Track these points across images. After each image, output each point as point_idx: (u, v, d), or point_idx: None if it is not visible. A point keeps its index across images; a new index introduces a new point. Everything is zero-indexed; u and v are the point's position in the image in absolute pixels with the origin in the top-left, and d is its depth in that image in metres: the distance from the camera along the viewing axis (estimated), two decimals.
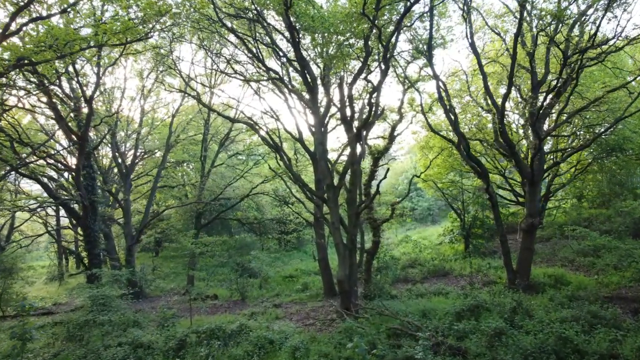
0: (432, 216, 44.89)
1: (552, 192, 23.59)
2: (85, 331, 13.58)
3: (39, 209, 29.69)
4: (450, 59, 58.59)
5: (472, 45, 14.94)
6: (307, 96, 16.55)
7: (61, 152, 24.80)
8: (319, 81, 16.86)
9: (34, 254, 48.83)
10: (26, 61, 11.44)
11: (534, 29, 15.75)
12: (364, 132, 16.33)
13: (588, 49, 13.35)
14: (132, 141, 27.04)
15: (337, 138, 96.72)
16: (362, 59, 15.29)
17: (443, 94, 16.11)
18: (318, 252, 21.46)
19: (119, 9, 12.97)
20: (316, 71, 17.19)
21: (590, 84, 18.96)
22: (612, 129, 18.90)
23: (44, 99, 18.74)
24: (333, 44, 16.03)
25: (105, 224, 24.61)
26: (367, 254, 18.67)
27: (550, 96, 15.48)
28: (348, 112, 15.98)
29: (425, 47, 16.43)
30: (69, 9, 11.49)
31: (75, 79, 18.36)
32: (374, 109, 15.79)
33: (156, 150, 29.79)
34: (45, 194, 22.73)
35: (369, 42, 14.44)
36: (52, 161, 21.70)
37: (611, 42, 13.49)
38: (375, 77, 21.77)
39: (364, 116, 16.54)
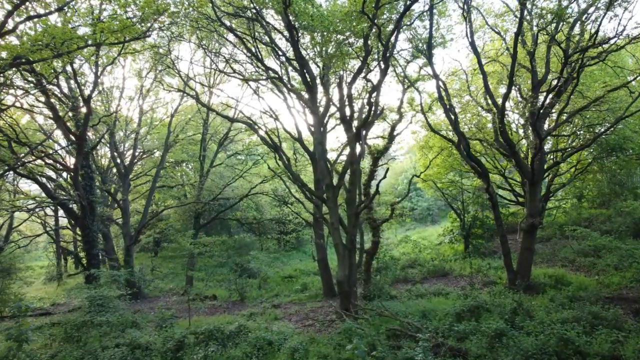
0: (432, 216, 44.84)
1: (552, 192, 23.53)
2: (83, 332, 13.50)
3: (37, 209, 29.60)
4: (450, 59, 58.51)
5: (472, 44, 14.86)
6: (306, 95, 16.46)
7: (59, 152, 24.69)
8: (318, 80, 16.77)
9: (33, 254, 48.74)
10: (23, 60, 11.37)
11: (535, 28, 15.66)
12: (364, 132, 16.23)
13: (589, 47, 13.27)
14: (130, 141, 26.95)
15: (336, 138, 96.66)
16: (361, 58, 15.20)
17: (443, 93, 16.04)
18: (317, 252, 21.38)
19: (117, 8, 12.92)
20: (315, 70, 17.10)
21: (590, 84, 18.91)
22: (612, 129, 18.83)
23: (43, 99, 18.68)
24: (332, 43, 15.94)
25: (104, 224, 24.51)
26: (366, 254, 18.60)
27: (550, 95, 15.40)
28: (347, 111, 15.89)
29: (425, 46, 16.35)
30: (65, 7, 11.38)
31: (73, 78, 18.27)
32: (373, 108, 15.72)
33: (155, 150, 29.69)
34: (43, 194, 22.60)
35: (369, 41, 14.35)
36: (50, 161, 21.59)
37: (612, 41, 13.41)
38: (374, 77, 21.74)
39: (364, 116, 16.46)
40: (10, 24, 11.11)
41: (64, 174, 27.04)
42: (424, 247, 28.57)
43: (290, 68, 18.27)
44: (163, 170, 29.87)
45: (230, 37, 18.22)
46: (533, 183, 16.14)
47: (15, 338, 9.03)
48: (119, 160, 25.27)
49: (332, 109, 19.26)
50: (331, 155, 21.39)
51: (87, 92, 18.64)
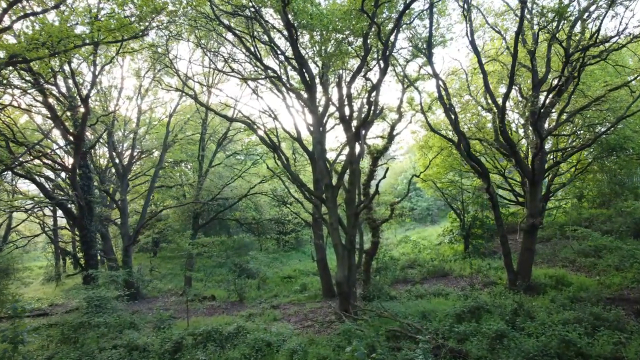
0: (432, 216, 44.75)
1: (552, 192, 23.45)
2: (80, 333, 13.40)
3: (35, 209, 29.48)
4: (450, 58, 58.42)
5: (472, 43, 14.76)
6: (305, 95, 16.35)
7: (57, 151, 24.57)
8: (317, 80, 16.68)
9: (32, 255, 48.60)
10: (20, 59, 11.26)
11: (535, 27, 15.58)
12: (363, 132, 16.13)
13: (590, 46, 13.18)
14: (129, 141, 26.86)
15: (335, 137, 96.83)
16: (361, 57, 15.10)
17: (443, 92, 15.95)
18: (316, 252, 21.29)
19: (115, 7, 12.81)
20: (315, 70, 17.00)
21: (590, 83, 18.82)
22: (612, 128, 18.74)
23: (41, 99, 18.58)
24: (332, 42, 15.84)
25: (102, 224, 24.40)
26: (366, 254, 18.50)
27: (551, 95, 15.31)
28: (347, 111, 15.78)
29: (424, 45, 16.26)
30: (61, 5, 11.27)
31: (71, 77, 18.17)
32: (372, 107, 15.63)
33: (154, 150, 29.59)
34: (41, 194, 22.49)
35: (368, 40, 14.25)
36: (48, 161, 21.47)
37: (613, 40, 13.33)
38: (374, 76, 21.62)
39: (363, 115, 16.36)
40: (6, 22, 11.01)
41: (63, 174, 26.96)
42: (423, 247, 28.50)
43: (289, 67, 18.16)
44: (162, 170, 29.76)
45: (229, 36, 18.12)
46: (533, 183, 16.06)
47: (11, 340, 8.94)
48: (117, 160, 25.16)
49: (332, 109, 19.17)
50: (330, 155, 21.35)
51: (85, 91, 18.54)
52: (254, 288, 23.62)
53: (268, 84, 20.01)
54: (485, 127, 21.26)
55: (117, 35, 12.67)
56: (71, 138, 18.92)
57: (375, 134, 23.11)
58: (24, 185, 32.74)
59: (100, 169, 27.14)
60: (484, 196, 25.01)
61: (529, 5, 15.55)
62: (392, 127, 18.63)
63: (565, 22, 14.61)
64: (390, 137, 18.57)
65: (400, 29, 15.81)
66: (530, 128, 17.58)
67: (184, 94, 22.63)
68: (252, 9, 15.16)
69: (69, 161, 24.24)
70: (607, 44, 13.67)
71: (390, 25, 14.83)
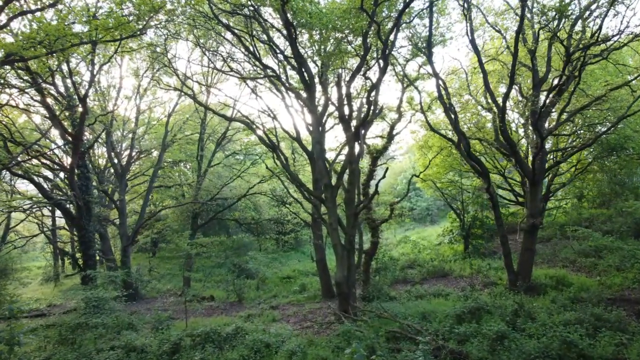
0: (431, 216, 44.65)
1: (552, 192, 23.38)
2: (78, 334, 13.30)
3: (34, 209, 29.37)
4: (449, 57, 58.33)
5: (473, 42, 14.68)
6: (304, 94, 16.27)
7: (55, 151, 24.45)
8: (316, 79, 16.59)
9: (30, 255, 48.50)
10: (17, 57, 11.15)
11: (536, 26, 15.51)
12: (362, 131, 16.05)
13: (592, 45, 13.10)
14: (128, 141, 26.76)
15: (335, 137, 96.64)
16: (360, 56, 15.01)
17: (443, 92, 15.87)
18: (316, 252, 21.20)
19: (114, 6, 12.71)
20: (314, 69, 16.92)
21: (591, 83, 18.74)
22: (613, 128, 18.67)
23: (39, 98, 18.48)
24: (331, 41, 15.75)
25: (101, 224, 24.30)
26: (365, 254, 18.42)
27: (552, 94, 15.23)
28: (346, 110, 15.69)
29: (424, 44, 16.18)
30: (58, 3, 11.17)
31: (69, 77, 18.07)
32: (372, 107, 15.53)
33: (153, 150, 29.49)
34: (40, 194, 22.39)
35: (368, 39, 14.16)
36: (46, 161, 21.37)
37: (615, 39, 13.24)
38: (373, 75, 21.53)
39: (363, 115, 16.28)
40: (3, 20, 10.92)
41: (61, 174, 26.86)
42: (423, 247, 28.42)
43: (288, 67, 18.09)
44: (161, 170, 29.67)
45: (228, 35, 18.01)
46: (534, 183, 15.98)
47: (7, 341, 8.83)
48: (116, 160, 25.05)
49: (331, 108, 19.09)
50: (330, 155, 21.27)
51: (83, 91, 18.43)
52: (253, 288, 23.52)
53: (267, 83, 19.92)
54: (485, 126, 21.19)
55: (115, 34, 12.57)
56: (69, 138, 18.81)
57: (374, 134, 23.07)
58: (23, 185, 32.68)
59: (99, 169, 27.03)
60: (483, 196, 24.94)
61: (530, 4, 15.48)
62: (392, 127, 18.55)
63: (566, 20, 14.55)
64: (390, 137, 18.49)
65: (400, 28, 15.73)
66: (531, 128, 17.52)
67: (182, 94, 22.54)
68: (251, 8, 15.07)
69: (67, 161, 24.15)
70: (608, 43, 13.58)
71: (390, 24, 14.75)
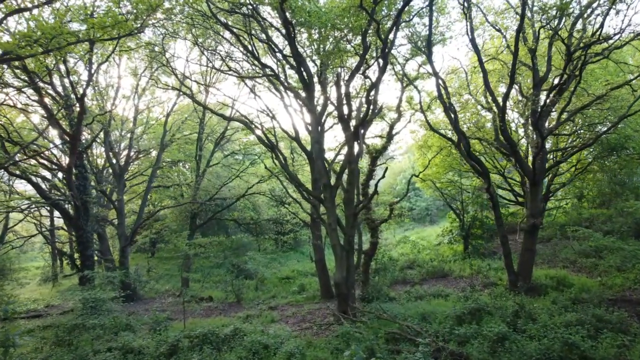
0: (431, 216, 44.57)
1: (552, 192, 23.30)
2: (75, 335, 13.19)
3: (32, 209, 29.25)
4: (449, 57, 58.35)
5: (473, 41, 14.58)
6: (303, 94, 16.18)
7: (52, 151, 24.33)
8: (315, 79, 16.49)
9: (29, 255, 48.40)
10: (13, 56, 11.04)
11: (536, 25, 15.42)
12: (362, 131, 15.94)
13: (593, 43, 13.01)
14: (126, 140, 26.65)
15: (334, 137, 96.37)
16: (359, 55, 14.91)
17: (442, 91, 15.77)
18: (315, 253, 21.11)
19: (111, 4, 12.62)
20: (313, 69, 16.82)
21: (591, 82, 18.66)
22: (613, 128, 18.59)
23: (36, 98, 18.38)
24: (330, 40, 15.65)
25: (99, 224, 24.19)
26: (364, 255, 18.33)
27: (552, 93, 15.14)
28: (345, 110, 15.60)
29: (424, 43, 16.08)
30: (55, 1, 11.06)
31: (67, 76, 17.96)
32: (371, 106, 15.43)
33: (151, 150, 29.38)
34: (37, 194, 22.26)
35: (367, 38, 14.07)
36: (44, 160, 21.25)
37: (616, 37, 13.15)
38: (373, 74, 21.46)
39: (362, 114, 16.18)
40: None
41: (59, 174, 26.73)
42: (422, 247, 28.34)
43: (287, 66, 18.00)
44: (160, 170, 29.55)
45: (227, 34, 17.92)
46: (534, 183, 15.89)
47: (1, 343, 8.74)
48: (114, 160, 24.95)
49: (330, 108, 19.01)
50: (329, 155, 21.15)
51: (81, 90, 18.32)
52: (251, 289, 23.43)
53: (266, 83, 19.83)
54: (485, 126, 21.12)
55: (112, 33, 12.47)
56: (67, 137, 18.70)
57: (374, 134, 22.89)
58: (21, 186, 32.53)
59: (97, 169, 26.91)
60: (483, 196, 24.87)
61: (530, 2, 15.39)
62: (391, 127, 18.45)
63: (567, 18, 14.46)
64: (389, 137, 18.39)
65: (400, 27, 15.64)
66: (531, 127, 17.43)
67: (181, 93, 22.43)
68: (250, 6, 14.97)
69: (65, 161, 24.02)
70: (609, 42, 13.49)
71: (389, 23, 14.65)
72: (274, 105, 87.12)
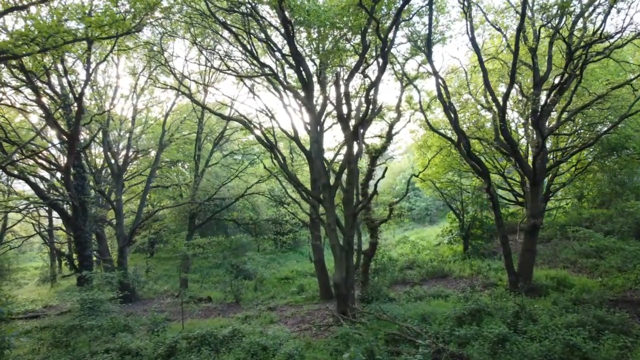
0: (430, 216, 44.48)
1: (551, 192, 23.22)
2: (72, 337, 13.10)
3: (30, 210, 29.13)
4: (449, 56, 58.31)
5: (473, 40, 14.50)
6: (302, 93, 16.09)
7: (50, 150, 24.22)
8: (314, 78, 16.41)
9: (28, 255, 48.32)
10: (9, 54, 10.94)
11: (536, 24, 15.35)
12: (361, 130, 15.86)
13: (594, 42, 12.92)
14: (125, 140, 26.54)
15: (333, 137, 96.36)
16: (359, 54, 14.83)
17: (442, 91, 15.69)
18: (314, 253, 21.02)
19: (109, 3, 12.53)
20: (312, 68, 16.73)
21: (591, 82, 18.58)
22: (614, 128, 18.52)
23: (34, 97, 18.29)
24: (329, 39, 15.57)
25: (97, 224, 24.08)
26: (364, 255, 18.24)
27: (553, 93, 15.06)
28: (345, 109, 15.52)
29: (424, 43, 16.00)
30: None
31: (64, 75, 17.87)
32: (371, 106, 15.34)
33: (150, 150, 29.26)
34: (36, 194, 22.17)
35: (366, 36, 13.98)
36: (42, 160, 21.16)
37: (617, 36, 13.07)
38: (372, 74, 21.39)
39: (361, 114, 16.10)
40: None
41: (58, 174, 26.63)
42: (422, 247, 28.25)
43: (286, 65, 17.91)
44: (158, 170, 29.44)
45: (225, 33, 17.85)
46: (535, 183, 15.80)
47: None
48: (112, 160, 24.84)
49: (329, 107, 18.93)
50: (328, 155, 21.07)
51: (79, 89, 18.22)
52: (250, 289, 23.34)
53: (265, 82, 19.74)
54: (485, 126, 21.05)
55: (109, 32, 12.38)
56: (65, 137, 18.60)
57: (373, 133, 22.82)
58: (20, 186, 32.44)
59: (96, 169, 26.80)
60: (483, 196, 24.79)
61: (530, 1, 15.32)
62: (391, 126, 18.36)
63: (568, 17, 14.38)
64: (389, 136, 18.29)
65: (399, 26, 15.55)
66: (531, 127, 17.35)
67: (180, 93, 22.34)
68: (248, 5, 14.88)
69: (63, 161, 23.92)
70: (611, 40, 13.41)
71: (389, 22, 14.56)
72: (273, 105, 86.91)
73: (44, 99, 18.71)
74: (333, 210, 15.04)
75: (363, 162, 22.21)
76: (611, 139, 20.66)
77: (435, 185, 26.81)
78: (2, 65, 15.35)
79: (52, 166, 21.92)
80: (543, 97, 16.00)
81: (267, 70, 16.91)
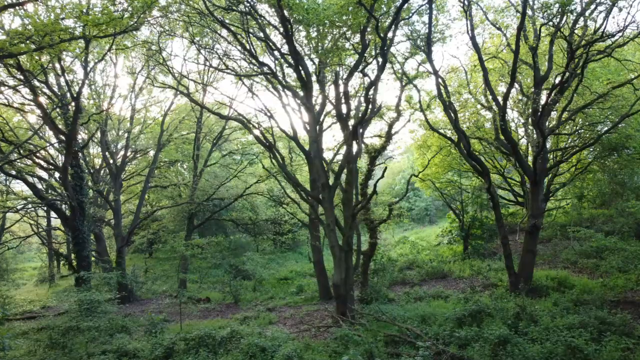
0: (430, 216, 44.42)
1: (551, 192, 23.12)
2: (69, 338, 13.00)
3: (28, 210, 29.03)
4: (449, 55, 58.34)
5: (473, 39, 14.41)
6: (301, 93, 15.99)
7: (49, 150, 24.09)
8: (313, 77, 16.30)
9: (26, 255, 48.23)
10: (5, 53, 10.83)
11: (537, 22, 15.25)
12: (361, 130, 15.75)
13: (595, 41, 12.82)
14: (123, 140, 26.42)
15: (332, 136, 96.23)
16: (358, 53, 14.73)
17: (442, 90, 15.59)
18: (313, 254, 20.94)
19: (107, 2, 12.43)
20: (311, 67, 16.62)
21: (592, 81, 18.47)
22: (615, 127, 18.42)
23: (32, 97, 18.19)
24: (329, 38, 15.47)
25: (96, 225, 23.95)
26: (363, 256, 18.11)
27: (554, 92, 14.95)
28: (344, 109, 15.42)
29: (423, 42, 15.90)
30: None
31: (62, 75, 17.77)
32: (370, 105, 15.23)
33: (148, 149, 29.14)
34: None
35: (366, 35, 13.88)
36: (39, 160, 21.05)
37: (618, 35, 12.97)
38: (372, 73, 21.29)
39: (361, 113, 15.99)
40: None
41: (56, 174, 26.50)
42: (422, 248, 28.18)
43: (285, 65, 17.82)
44: (157, 170, 29.31)
45: (224, 32, 17.74)
46: (535, 183, 15.70)
47: None
48: (110, 160, 24.73)
49: (329, 107, 18.82)
50: (327, 155, 20.97)
51: (76, 89, 18.12)
52: (249, 290, 23.24)
53: (264, 82, 19.62)
54: (484, 126, 20.94)
55: (106, 30, 12.28)
56: (62, 137, 18.49)
57: (372, 133, 22.79)
58: (18, 186, 32.28)
59: (94, 169, 26.68)
60: (483, 196, 24.70)
61: (531, 0, 15.23)
62: (390, 126, 18.21)
63: (569, 16, 14.29)
64: (389, 136, 18.15)
65: (399, 25, 15.45)
66: (532, 127, 17.25)
67: (178, 92, 22.22)
68: (247, 4, 14.78)
69: (61, 160, 23.80)
70: (612, 39, 13.31)
71: (389, 21, 14.46)
72: (272, 104, 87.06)
73: (42, 99, 18.62)
74: (332, 211, 14.94)
75: (362, 162, 22.11)
76: (611, 139, 20.55)
77: (435, 185, 26.70)
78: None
79: (50, 166, 21.81)
80: (543, 96, 15.89)
81: (266, 69, 16.81)
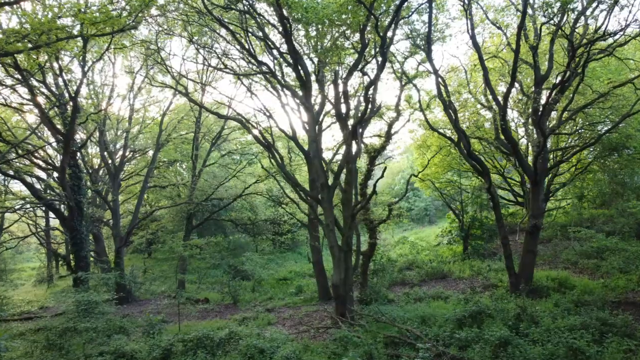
0: (429, 217, 44.34)
1: (552, 192, 23.03)
2: (66, 339, 12.90)
3: (27, 210, 28.90)
4: (448, 55, 58.30)
5: (473, 38, 14.33)
6: (300, 92, 15.89)
7: (46, 150, 23.97)
8: (313, 77, 16.20)
9: (25, 256, 48.10)
10: (1, 52, 10.74)
11: (537, 21, 15.17)
12: (360, 130, 15.67)
13: (597, 40, 12.73)
14: (122, 140, 26.33)
15: (332, 136, 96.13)
16: (358, 52, 14.64)
17: (442, 89, 15.50)
18: (312, 254, 20.84)
19: (105, 0, 12.35)
20: (310, 67, 16.53)
21: (592, 81, 18.40)
22: (616, 127, 18.34)
23: (29, 97, 18.11)
24: (328, 37, 15.37)
25: (94, 225, 23.85)
26: (363, 256, 18.02)
27: (554, 91, 14.86)
28: (343, 108, 15.33)
29: (423, 41, 15.81)
30: None
31: (59, 74, 17.67)
32: (370, 105, 15.15)
33: (147, 149, 29.04)
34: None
35: (365, 34, 13.79)
36: (37, 160, 20.95)
37: (620, 34, 12.89)
38: (371, 72, 21.21)
39: (360, 113, 15.90)
40: None
41: (55, 174, 26.40)
42: (421, 248, 28.10)
43: (284, 64, 17.73)
44: (156, 170, 29.21)
45: (223, 32, 17.66)
46: (535, 183, 15.61)
47: None
48: (109, 160, 24.62)
49: (328, 106, 18.73)
50: (327, 155, 20.87)
51: (74, 88, 18.02)
52: (248, 290, 23.14)
53: (263, 81, 19.53)
54: (484, 126, 20.85)
55: (103, 29, 12.19)
56: (59, 136, 18.40)
57: (372, 133, 22.69)
58: (17, 186, 32.18)
59: (92, 169, 26.58)
60: (483, 196, 24.61)
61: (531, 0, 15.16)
62: (390, 126, 18.14)
63: (570, 14, 14.20)
64: (388, 136, 18.07)
65: (399, 24, 15.37)
66: (532, 126, 17.17)
67: (177, 92, 22.13)
68: (246, 2, 14.68)
69: (59, 160, 23.69)
70: (614, 37, 13.22)
71: (388, 20, 14.37)
72: (271, 104, 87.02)
73: (40, 98, 18.52)
74: (331, 211, 14.86)
75: (362, 162, 22.01)
76: (612, 139, 20.48)
77: (435, 185, 26.62)
78: None
79: (48, 166, 21.71)
80: (544, 96, 15.80)
81: (264, 68, 16.70)
